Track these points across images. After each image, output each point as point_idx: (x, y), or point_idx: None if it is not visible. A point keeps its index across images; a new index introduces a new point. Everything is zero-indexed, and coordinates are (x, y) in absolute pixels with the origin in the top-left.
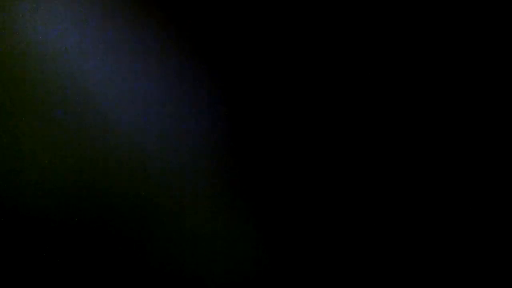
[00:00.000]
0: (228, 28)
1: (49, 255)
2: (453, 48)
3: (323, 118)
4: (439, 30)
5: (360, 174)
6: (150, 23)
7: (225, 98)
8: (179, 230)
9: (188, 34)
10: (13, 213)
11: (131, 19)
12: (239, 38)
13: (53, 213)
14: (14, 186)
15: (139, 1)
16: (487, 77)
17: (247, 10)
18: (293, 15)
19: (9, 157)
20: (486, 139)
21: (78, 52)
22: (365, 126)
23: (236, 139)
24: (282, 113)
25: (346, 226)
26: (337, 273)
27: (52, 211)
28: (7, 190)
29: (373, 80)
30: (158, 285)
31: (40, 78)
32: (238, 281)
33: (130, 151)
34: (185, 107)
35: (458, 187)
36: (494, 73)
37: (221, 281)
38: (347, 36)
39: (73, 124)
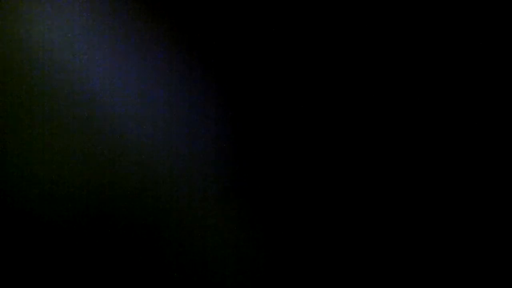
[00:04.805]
0: (237, 33)
1: (54, 257)
2: (453, 48)
3: (328, 121)
4: (439, 30)
5: (364, 179)
6: (159, 29)
7: (233, 102)
8: (187, 233)
9: (197, 39)
10: (21, 217)
11: (140, 25)
12: (248, 43)
13: (61, 217)
14: (23, 191)
15: (148, 7)
16: (487, 77)
17: (256, 14)
18: (295, 15)
19: (17, 162)
20: (486, 139)
21: (86, 58)
22: (365, 128)
23: (244, 143)
24: (290, 116)
25: (350, 229)
26: (340, 273)
27: (59, 215)
28: (15, 195)
29: (373, 80)
30: (163, 286)
31: (48, 84)
32: (245, 283)
33: (138, 156)
34: (193, 112)
35: (458, 187)
36: (494, 73)
37: (227, 282)
38: (347, 36)
39: (81, 129)
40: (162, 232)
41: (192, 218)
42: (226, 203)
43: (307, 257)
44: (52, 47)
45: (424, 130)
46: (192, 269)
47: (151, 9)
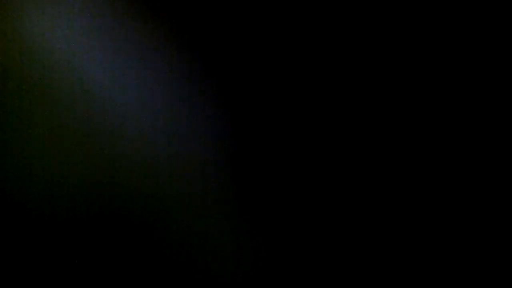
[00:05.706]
0: (237, 33)
1: (54, 257)
2: (453, 48)
3: (329, 121)
4: (439, 30)
5: (366, 179)
6: (159, 29)
7: (233, 102)
8: (187, 233)
9: (197, 40)
10: (22, 218)
11: (140, 25)
12: (248, 43)
13: (60, 217)
14: (23, 191)
15: (148, 7)
16: (487, 77)
17: (256, 14)
18: (295, 15)
19: (17, 163)
20: (486, 139)
21: (86, 58)
22: (366, 129)
23: (244, 143)
24: (290, 116)
25: (350, 229)
26: (339, 273)
27: (59, 215)
28: (15, 195)
29: (372, 81)
30: (163, 286)
31: (48, 84)
32: (245, 283)
33: (138, 156)
34: (193, 112)
35: (458, 187)
36: (494, 73)
37: (227, 282)
38: (347, 36)
39: (81, 129)
40: (162, 232)
41: (192, 218)
42: (226, 203)
43: (307, 257)
44: (52, 47)
45: (424, 130)
46: (192, 269)
47: (151, 9)
